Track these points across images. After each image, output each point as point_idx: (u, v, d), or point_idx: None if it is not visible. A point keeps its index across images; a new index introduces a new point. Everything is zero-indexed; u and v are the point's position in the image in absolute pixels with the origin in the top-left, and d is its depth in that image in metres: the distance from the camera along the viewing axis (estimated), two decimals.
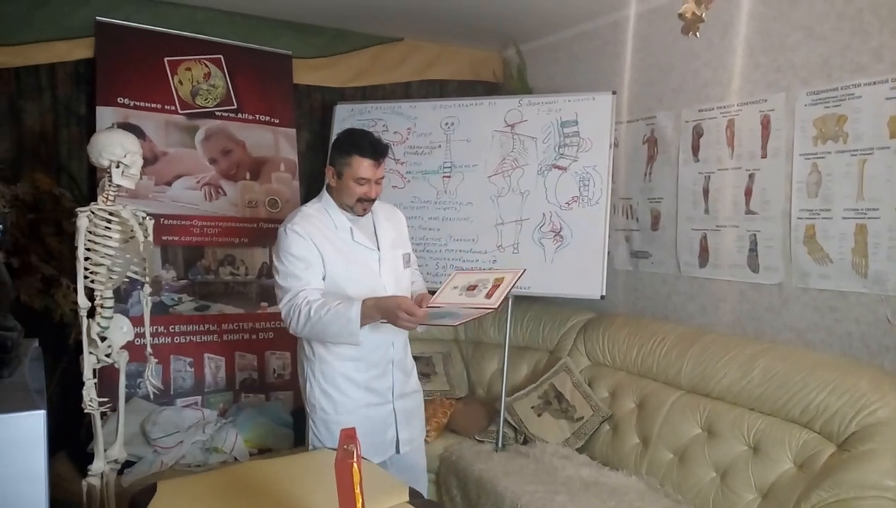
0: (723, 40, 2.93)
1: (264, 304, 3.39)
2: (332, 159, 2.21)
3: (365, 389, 2.21)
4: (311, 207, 2.24)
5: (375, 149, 2.15)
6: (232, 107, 3.41)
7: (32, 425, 0.95)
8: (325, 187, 2.26)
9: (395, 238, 2.32)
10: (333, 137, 3.56)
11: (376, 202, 2.26)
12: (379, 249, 2.24)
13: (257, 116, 3.46)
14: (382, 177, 2.22)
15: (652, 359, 2.81)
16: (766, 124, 2.79)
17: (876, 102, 2.41)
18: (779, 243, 2.74)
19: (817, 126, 2.60)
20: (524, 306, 3.42)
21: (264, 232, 3.42)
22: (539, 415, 2.95)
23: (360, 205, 2.20)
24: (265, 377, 3.37)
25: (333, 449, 1.67)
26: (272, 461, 2.03)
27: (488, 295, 2.05)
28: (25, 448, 0.94)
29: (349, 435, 1.38)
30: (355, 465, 1.27)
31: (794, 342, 2.66)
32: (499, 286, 2.07)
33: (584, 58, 3.67)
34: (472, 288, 2.12)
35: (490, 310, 2.03)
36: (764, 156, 2.79)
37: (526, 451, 2.80)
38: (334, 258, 2.16)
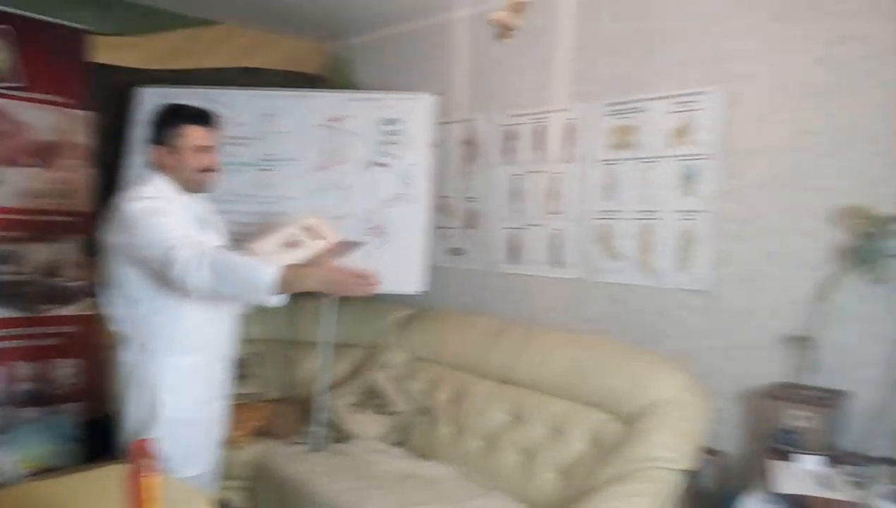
0: (535, 51, 3.11)
1: (47, 307, 3.03)
2: (157, 137, 2.05)
3: (206, 383, 2.11)
4: (143, 190, 2.00)
5: (204, 115, 2.05)
6: (17, 84, 3.02)
7: None
8: (147, 173, 2.08)
9: (220, 227, 2.23)
10: (138, 123, 3.33)
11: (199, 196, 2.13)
12: (213, 236, 2.13)
13: (48, 96, 3.09)
14: (216, 148, 2.10)
15: (466, 352, 2.93)
16: (570, 132, 3.01)
17: (658, 116, 2.71)
18: (579, 241, 2.98)
19: (613, 135, 2.86)
20: (344, 303, 3.40)
21: (51, 225, 3.06)
22: (357, 412, 2.95)
23: (204, 177, 2.06)
24: (49, 388, 3.02)
25: (131, 463, 1.54)
26: (53, 482, 1.81)
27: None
28: None
29: (141, 448, 1.28)
30: (148, 479, 1.18)
31: (591, 331, 2.90)
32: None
33: (411, 57, 3.72)
34: (291, 244, 2.14)
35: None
36: (568, 160, 3.02)
37: (342, 449, 2.79)
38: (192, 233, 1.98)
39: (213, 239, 2.12)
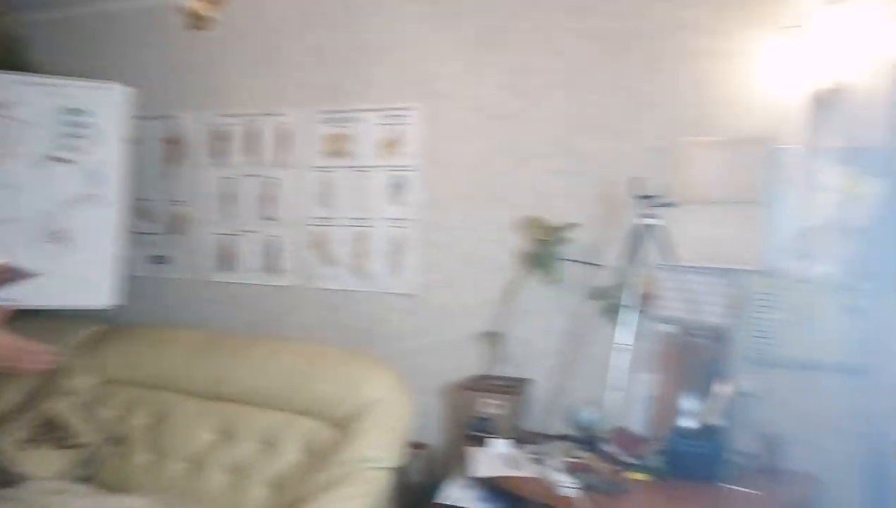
0: (249, 50, 3.00)
1: None
2: None
3: None
4: None
5: None
6: None
7: None
8: None
9: None
10: None
11: None
12: None
13: None
14: None
15: (169, 369, 2.67)
16: (285, 136, 2.95)
17: (370, 127, 2.79)
18: (294, 248, 2.93)
19: (326, 142, 2.88)
20: (19, 321, 2.87)
21: None
22: (29, 449, 2.50)
23: None
24: None
25: None
26: None
27: None
28: None
29: None
30: None
31: (307, 339, 2.86)
32: None
33: (101, 41, 3.31)
34: None
35: None
36: (282, 165, 2.96)
37: (11, 495, 2.33)
38: None
39: None
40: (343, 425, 2.31)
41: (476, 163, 2.62)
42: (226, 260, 3.06)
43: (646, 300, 2.26)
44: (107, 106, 2.87)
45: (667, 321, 2.27)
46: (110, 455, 2.54)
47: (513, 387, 2.36)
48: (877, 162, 2.03)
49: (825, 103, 2.07)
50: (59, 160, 2.84)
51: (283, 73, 2.96)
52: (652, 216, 2.14)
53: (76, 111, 2.86)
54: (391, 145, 2.77)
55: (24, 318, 2.86)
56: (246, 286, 3.03)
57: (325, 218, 2.88)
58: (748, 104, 2.21)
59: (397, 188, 2.76)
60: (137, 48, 3.23)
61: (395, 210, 2.75)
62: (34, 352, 1.45)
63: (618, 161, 2.38)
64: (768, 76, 2.17)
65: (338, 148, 2.86)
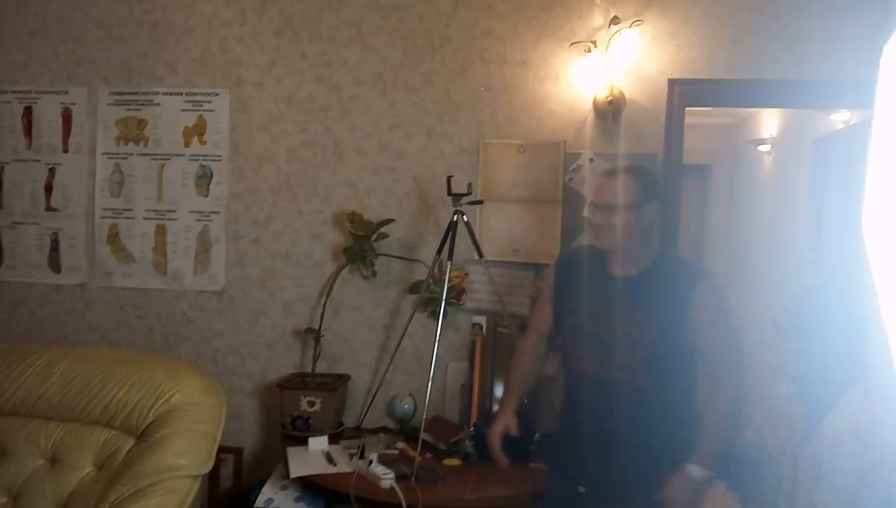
0: (23, 17, 2.64)
1: None
2: None
3: None
4: None
5: None
6: None
7: None
8: None
9: None
10: None
11: None
12: None
13: None
14: None
15: None
16: (67, 117, 2.65)
17: (172, 112, 2.60)
18: (82, 242, 2.65)
19: (119, 126, 2.64)
20: None
21: None
22: None
23: None
24: None
25: None
26: None
27: None
28: None
29: None
30: None
31: (98, 342, 2.61)
32: None
33: None
34: None
35: None
36: (66, 150, 2.66)
37: None
38: None
39: None
40: (144, 434, 2.13)
41: (289, 156, 2.56)
42: None
43: (458, 293, 2.37)
44: None
45: (478, 312, 2.41)
46: None
47: (331, 384, 2.35)
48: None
49: (606, 112, 2.31)
50: None
51: (66, 47, 2.64)
52: (462, 213, 2.25)
53: None
54: (195, 132, 2.60)
55: None
56: (25, 285, 2.68)
57: (119, 209, 2.64)
58: (545, 110, 2.40)
59: (202, 178, 2.61)
60: None
61: (201, 201, 2.60)
62: None
63: (432, 159, 2.47)
64: (563, 86, 2.38)
65: (133, 133, 2.63)
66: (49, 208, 2.66)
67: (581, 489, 1.73)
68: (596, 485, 1.72)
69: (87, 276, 2.65)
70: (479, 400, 2.29)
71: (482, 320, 2.39)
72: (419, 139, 2.48)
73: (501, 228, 2.41)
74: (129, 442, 2.12)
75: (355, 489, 1.91)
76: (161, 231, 2.62)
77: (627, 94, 2.30)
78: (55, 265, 2.66)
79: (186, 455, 2.07)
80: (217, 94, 2.58)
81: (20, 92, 2.67)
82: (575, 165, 2.37)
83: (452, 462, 2.07)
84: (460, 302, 2.40)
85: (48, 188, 2.66)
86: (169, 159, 2.62)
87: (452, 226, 2.25)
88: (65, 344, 2.48)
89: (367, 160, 2.51)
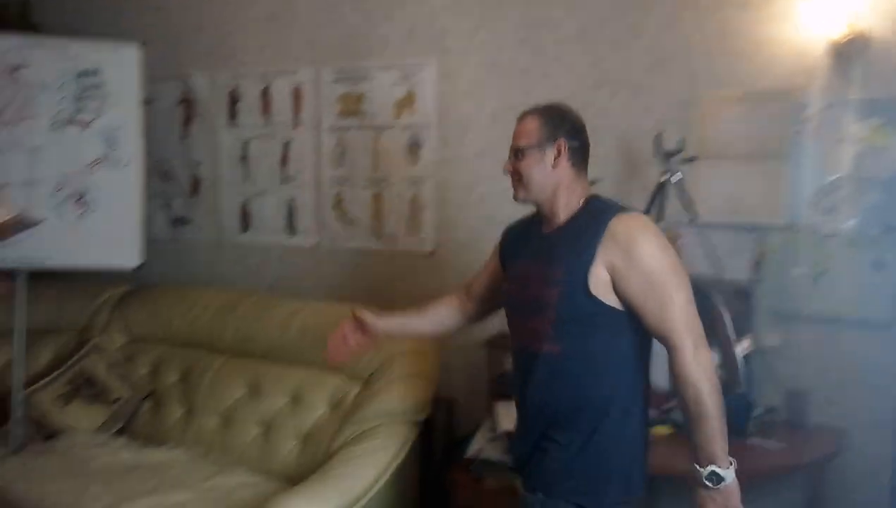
0: (257, 6, 2.97)
1: None
2: None
3: None
4: None
5: None
6: None
7: None
8: None
9: None
10: None
11: None
12: None
13: None
14: None
15: (196, 328, 2.73)
16: (298, 95, 2.94)
17: (385, 86, 2.77)
18: (312, 208, 2.95)
19: (341, 102, 2.86)
20: (43, 282, 2.93)
21: None
22: (66, 404, 2.58)
23: None
24: None
25: None
26: None
27: None
28: None
29: None
30: None
31: (327, 297, 2.90)
32: None
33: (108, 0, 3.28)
34: None
35: None
36: (297, 126, 2.95)
37: (51, 447, 2.44)
38: None
39: None
40: (368, 380, 2.36)
41: (492, 121, 2.60)
42: (246, 220, 3.09)
43: None
44: (120, 66, 2.88)
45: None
46: (143, 409, 2.62)
47: None
48: None
49: (846, 54, 2.04)
50: (75, 122, 2.85)
51: (294, 30, 2.92)
52: (673, 172, 2.14)
53: (89, 72, 2.87)
54: (405, 103, 2.75)
55: (48, 278, 2.94)
56: (265, 247, 3.06)
57: (341, 178, 2.89)
58: (770, 56, 2.18)
59: (412, 147, 2.75)
60: (148, 7, 3.20)
61: (412, 169, 2.75)
62: None
63: (638, 116, 2.36)
64: (789, 27, 2.14)
65: (352, 107, 2.84)
66: (285, 178, 2.99)
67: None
68: (525, 480, 1.50)
69: (317, 239, 2.96)
70: None
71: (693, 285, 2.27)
72: (624, 96, 2.39)
73: (717, 187, 2.25)
74: (357, 388, 2.36)
75: None
76: (377, 197, 2.83)
77: (872, 31, 2.00)
78: (291, 229, 3.00)
79: (405, 402, 2.27)
80: (426, 64, 2.69)
81: (259, 74, 3.00)
82: (806, 114, 2.13)
83: (661, 430, 2.01)
84: None
85: (284, 160, 2.99)
86: (382, 130, 2.80)
87: (661, 187, 2.15)
88: (301, 298, 2.81)
89: None
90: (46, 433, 2.54)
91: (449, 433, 2.64)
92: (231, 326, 2.67)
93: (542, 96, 2.47)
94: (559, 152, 1.47)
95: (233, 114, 3.06)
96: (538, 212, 1.56)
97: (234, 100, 3.06)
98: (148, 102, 2.93)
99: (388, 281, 2.83)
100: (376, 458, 2.10)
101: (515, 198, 1.55)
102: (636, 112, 2.37)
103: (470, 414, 2.63)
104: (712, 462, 1.33)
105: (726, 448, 1.35)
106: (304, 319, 2.56)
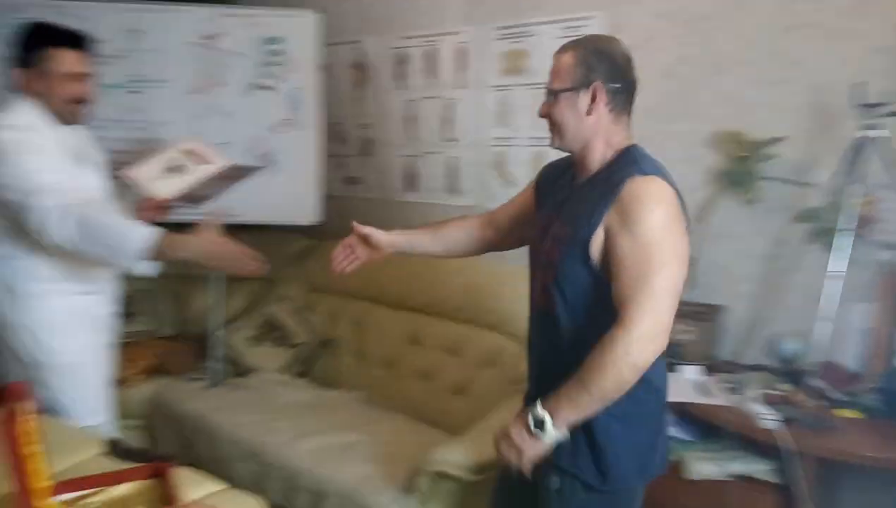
0: None
1: None
2: (23, 59, 1.81)
3: (92, 323, 1.96)
4: (9, 118, 1.77)
5: (75, 37, 1.83)
6: None
7: None
8: (13, 98, 1.84)
9: (101, 165, 2.05)
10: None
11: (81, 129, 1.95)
12: (94, 174, 1.95)
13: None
14: (90, 76, 1.88)
15: (366, 281, 2.90)
16: (461, 55, 2.96)
17: (549, 41, 2.71)
18: (474, 168, 2.99)
19: (504, 60, 2.84)
20: (235, 235, 3.25)
21: None
22: (256, 346, 2.88)
23: (72, 109, 1.84)
24: None
25: None
26: None
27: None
28: None
29: (17, 391, 1.18)
30: (26, 423, 1.09)
31: (490, 257, 2.93)
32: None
33: None
34: (173, 169, 2.17)
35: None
36: (461, 86, 2.98)
37: (243, 383, 2.74)
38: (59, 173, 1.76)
39: (91, 177, 1.94)
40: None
41: (663, 74, 2.45)
42: (410, 180, 3.20)
43: (864, 223, 2.03)
44: (301, 33, 3.07)
45: (889, 247, 2.04)
46: (321, 354, 2.86)
47: (704, 314, 2.27)
48: None
49: None
50: (262, 87, 3.10)
51: None
52: (875, 127, 1.90)
53: (274, 39, 3.09)
54: None
55: (239, 231, 3.24)
56: (430, 205, 3.15)
57: (503, 137, 2.89)
58: None
59: None
60: None
61: None
62: (247, 257, 1.76)
63: (833, 65, 2.11)
64: None
65: (515, 64, 2.81)
66: (449, 138, 3.04)
67: None
68: None
69: (478, 199, 3.00)
70: (882, 347, 1.98)
71: (894, 255, 2.03)
72: (819, 41, 2.14)
73: None
74: (515, 348, 2.40)
75: (732, 424, 1.85)
76: (539, 157, 2.80)
77: None
78: (454, 189, 3.06)
79: None
80: (592, 17, 2.59)
81: (425, 36, 3.06)
82: None
83: (848, 413, 1.84)
84: (866, 234, 2.06)
85: (448, 121, 3.04)
86: (544, 87, 2.74)
87: (861, 143, 1.92)
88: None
89: (752, 71, 2.27)
90: (239, 370, 2.86)
91: None
92: (396, 281, 2.80)
93: (723, 46, 2.32)
94: (594, 97, 1.33)
95: (400, 76, 3.16)
96: (572, 160, 1.44)
97: (401, 62, 3.15)
98: (324, 67, 3.11)
99: None
100: None
101: (551, 144, 1.43)
102: (831, 61, 2.12)
103: None
104: (553, 412, 1.25)
105: (574, 420, 1.25)
106: (466, 277, 2.63)
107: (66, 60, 1.81)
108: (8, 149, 1.71)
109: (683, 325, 2.21)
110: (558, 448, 1.31)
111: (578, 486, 1.33)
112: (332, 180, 3.41)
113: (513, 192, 2.81)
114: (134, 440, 2.66)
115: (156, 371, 2.84)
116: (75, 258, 1.80)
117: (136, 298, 3.15)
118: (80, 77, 1.85)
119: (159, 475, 1.32)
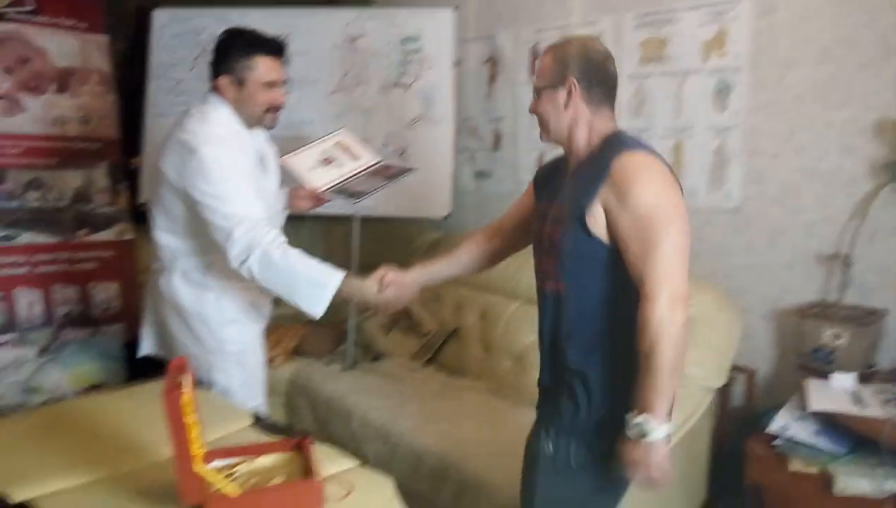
0: None
1: (82, 232, 3.08)
2: (225, 66, 1.85)
3: (258, 313, 2.08)
4: (217, 129, 1.83)
5: (277, 45, 1.88)
6: (27, 8, 2.96)
7: None
8: (211, 103, 1.89)
9: (277, 165, 2.14)
10: (153, 47, 3.27)
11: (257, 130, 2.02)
12: (270, 176, 2.05)
13: (60, 19, 3.03)
14: (286, 83, 1.94)
15: (493, 273, 2.90)
16: None
17: (692, 27, 2.58)
18: None
19: (642, 48, 2.74)
20: (370, 227, 3.40)
21: (76, 152, 3.07)
22: (387, 333, 3.00)
23: (270, 116, 1.91)
24: (90, 310, 3.11)
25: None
26: (100, 397, 1.88)
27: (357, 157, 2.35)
28: None
29: (178, 366, 1.31)
30: (186, 395, 1.20)
31: None
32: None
33: None
34: (327, 160, 2.29)
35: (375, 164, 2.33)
36: None
37: (375, 368, 2.86)
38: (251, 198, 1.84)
39: (271, 179, 2.05)
40: None
41: (821, 57, 2.26)
42: None
43: None
44: (436, 31, 3.14)
45: None
46: (449, 344, 2.92)
47: (860, 317, 2.08)
48: None
49: None
50: (398, 85, 3.21)
51: None
52: None
53: (411, 38, 3.19)
54: (714, 45, 2.52)
55: (374, 223, 3.38)
56: None
57: (639, 129, 2.79)
58: None
59: (720, 92, 2.53)
60: None
61: (718, 117, 2.54)
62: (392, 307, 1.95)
63: None
64: None
65: (653, 53, 2.71)
66: None
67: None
68: (543, 417, 1.53)
69: None
70: None
71: None
72: None
73: None
74: None
75: (888, 437, 1.68)
76: (678, 148, 2.68)
77: None
78: None
79: (699, 366, 2.16)
80: (740, 0, 2.43)
81: (559, 28, 3.02)
82: None
83: None
84: None
85: None
86: (685, 76, 2.62)
87: None
88: None
89: None
90: (373, 355, 2.99)
91: (747, 405, 2.46)
92: (526, 274, 2.77)
93: (884, 28, 2.09)
94: (570, 93, 1.42)
95: (533, 69, 3.14)
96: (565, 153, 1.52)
97: (535, 55, 3.13)
98: (457, 63, 3.16)
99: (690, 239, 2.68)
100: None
101: (541, 138, 1.53)
102: None
103: (772, 387, 2.41)
104: (645, 411, 1.28)
105: (666, 406, 1.29)
106: None
107: (267, 69, 1.84)
108: (210, 167, 1.75)
109: (836, 330, 2.04)
110: (562, 415, 1.45)
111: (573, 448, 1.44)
112: (463, 174, 3.47)
113: None
114: (276, 415, 2.87)
115: (297, 352, 3.03)
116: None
117: None
118: (278, 84, 1.88)
119: (300, 449, 1.40)
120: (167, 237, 1.94)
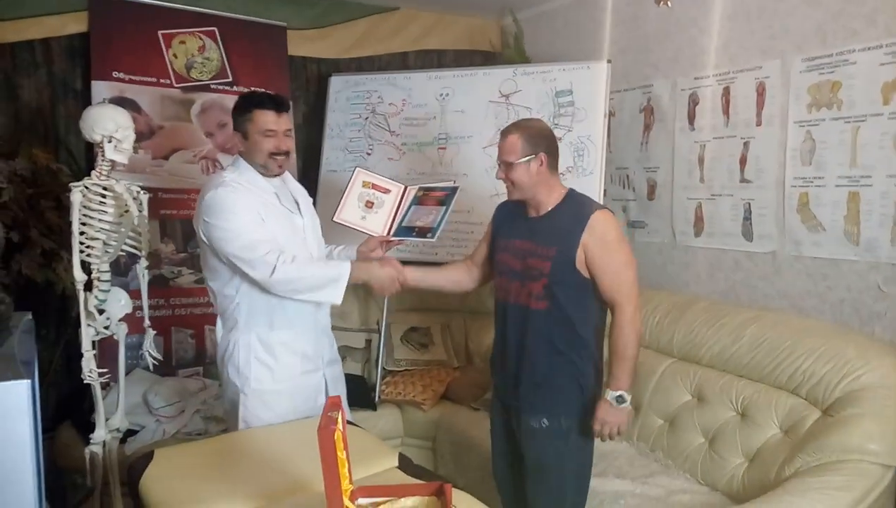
0: (718, 6, 2.89)
1: None
2: (235, 125, 2.15)
3: (301, 356, 2.18)
4: (228, 175, 2.12)
5: (273, 99, 2.13)
6: (227, 80, 3.41)
7: (18, 393, 0.99)
8: (235, 158, 2.19)
9: (311, 206, 2.34)
10: (330, 109, 3.62)
11: (289, 176, 2.28)
12: (301, 215, 2.23)
13: (252, 89, 3.46)
14: (290, 130, 2.18)
15: (646, 328, 2.82)
16: (760, 91, 2.76)
17: (869, 68, 2.39)
18: (772, 211, 2.74)
19: (811, 93, 2.58)
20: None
21: None
22: None
23: (274, 161, 2.13)
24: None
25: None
26: (272, 428, 2.04)
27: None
28: (12, 416, 0.98)
29: (334, 403, 1.42)
30: (339, 432, 1.30)
31: (786, 309, 2.67)
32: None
33: (581, 25, 3.63)
34: (369, 204, 2.46)
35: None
36: (758, 123, 2.78)
37: None
38: (266, 220, 2.08)
39: (296, 218, 2.20)
40: (830, 408, 2.10)
41: None
42: (699, 224, 3.05)
43: None
44: (588, 83, 3.18)
45: None
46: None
47: None
48: None
49: None
50: None
51: (759, 24, 2.75)
52: None
53: (563, 92, 3.24)
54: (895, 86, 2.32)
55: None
56: (721, 251, 2.97)
57: (807, 178, 2.61)
58: None
59: None
60: (613, 26, 3.43)
61: None
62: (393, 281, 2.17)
63: None
64: None
65: (824, 98, 2.53)
66: (742, 180, 2.85)
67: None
68: (516, 406, 2.05)
69: (776, 245, 2.74)
70: None
71: None
72: None
73: None
74: (815, 414, 2.13)
75: None
76: (854, 198, 2.46)
77: None
78: (747, 233, 2.84)
79: (876, 440, 1.95)
80: None
81: (720, 74, 2.92)
82: None
83: None
84: None
85: (742, 161, 2.85)
86: (864, 120, 2.42)
87: None
88: (755, 308, 2.65)
89: None
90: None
91: None
92: (681, 330, 2.68)
93: None
94: (541, 163, 1.94)
95: (691, 117, 3.06)
96: (524, 202, 2.03)
97: (693, 103, 3.05)
98: (611, 114, 3.16)
99: (861, 296, 2.44)
100: (836, 497, 1.85)
101: (509, 197, 2.05)
102: None
103: None
104: (620, 388, 1.94)
105: (629, 383, 1.95)
106: (758, 330, 2.41)
107: (265, 120, 2.07)
108: (225, 206, 2.02)
109: None
110: (525, 397, 2.02)
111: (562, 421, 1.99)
112: None
113: (818, 238, 2.57)
114: (422, 457, 2.96)
115: (445, 397, 3.12)
116: (277, 298, 2.07)
117: (432, 331, 3.51)
118: (276, 133, 2.09)
119: (439, 494, 1.45)
120: (209, 285, 2.22)
